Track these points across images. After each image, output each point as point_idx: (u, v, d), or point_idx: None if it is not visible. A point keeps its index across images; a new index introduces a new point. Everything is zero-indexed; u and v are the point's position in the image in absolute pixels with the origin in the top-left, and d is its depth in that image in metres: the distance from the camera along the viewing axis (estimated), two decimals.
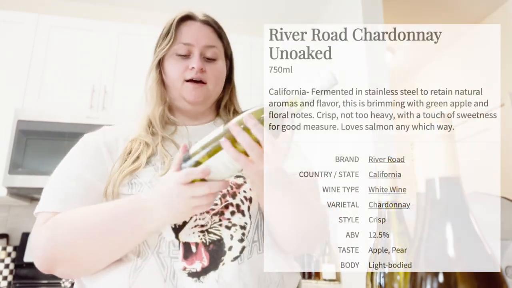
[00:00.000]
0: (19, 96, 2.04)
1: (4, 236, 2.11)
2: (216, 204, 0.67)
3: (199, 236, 0.64)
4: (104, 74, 2.17)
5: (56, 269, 0.64)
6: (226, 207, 0.67)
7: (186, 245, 0.63)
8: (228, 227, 0.65)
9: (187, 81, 0.77)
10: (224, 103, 0.86)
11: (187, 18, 0.80)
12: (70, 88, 2.12)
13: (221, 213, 0.66)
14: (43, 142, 1.94)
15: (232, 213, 0.67)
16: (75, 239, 0.62)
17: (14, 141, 1.90)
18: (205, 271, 0.62)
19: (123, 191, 0.68)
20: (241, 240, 0.65)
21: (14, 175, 1.86)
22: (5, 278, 2.04)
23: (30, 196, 2.10)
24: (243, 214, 0.67)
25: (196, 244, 0.63)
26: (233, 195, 0.68)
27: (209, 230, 0.65)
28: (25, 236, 2.06)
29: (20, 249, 2.04)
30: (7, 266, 2.06)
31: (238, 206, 0.68)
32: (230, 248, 0.64)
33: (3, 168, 1.88)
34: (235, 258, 0.63)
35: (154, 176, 0.69)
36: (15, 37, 2.13)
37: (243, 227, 0.66)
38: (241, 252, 0.64)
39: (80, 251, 0.63)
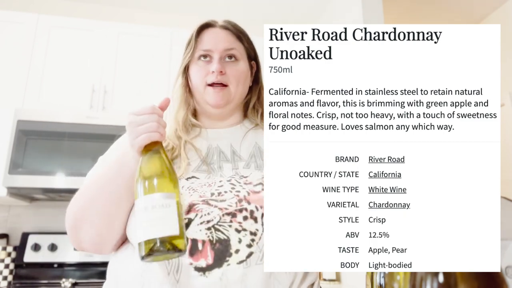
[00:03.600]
0: (19, 96, 2.04)
1: (4, 236, 2.11)
2: (230, 206, 0.68)
3: (206, 233, 0.65)
4: (104, 74, 2.17)
5: (81, 231, 0.70)
6: (240, 210, 0.68)
7: (194, 242, 0.65)
8: (238, 231, 0.66)
9: (209, 85, 0.80)
10: (252, 104, 0.87)
11: (207, 26, 0.84)
12: (70, 88, 2.12)
13: (233, 215, 0.67)
14: (43, 142, 1.94)
15: (245, 218, 0.67)
16: (87, 194, 0.71)
17: (14, 141, 1.90)
18: (209, 267, 0.64)
19: None
20: (250, 246, 0.65)
21: (14, 175, 1.86)
22: (5, 278, 2.04)
23: (30, 196, 2.10)
24: (256, 221, 0.67)
25: (203, 242, 0.65)
26: (249, 201, 0.69)
27: (216, 227, 0.66)
28: (25, 236, 2.06)
29: (20, 249, 2.03)
30: (7, 266, 2.06)
31: (252, 212, 0.68)
32: (237, 251, 0.65)
33: (3, 168, 1.88)
34: (241, 262, 0.64)
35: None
36: (15, 37, 2.13)
37: (253, 233, 0.66)
38: (248, 257, 0.65)
39: (93, 205, 0.69)
